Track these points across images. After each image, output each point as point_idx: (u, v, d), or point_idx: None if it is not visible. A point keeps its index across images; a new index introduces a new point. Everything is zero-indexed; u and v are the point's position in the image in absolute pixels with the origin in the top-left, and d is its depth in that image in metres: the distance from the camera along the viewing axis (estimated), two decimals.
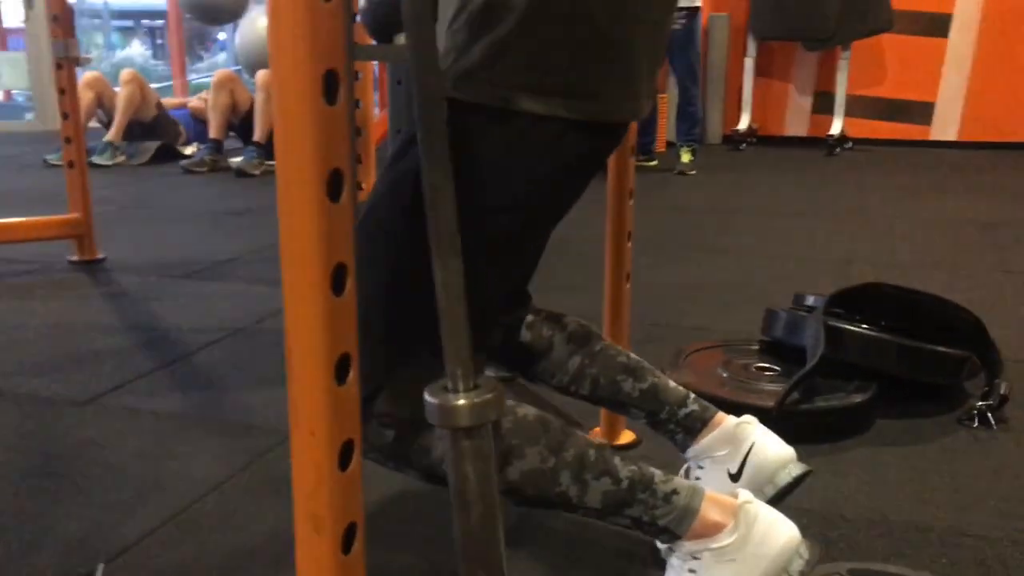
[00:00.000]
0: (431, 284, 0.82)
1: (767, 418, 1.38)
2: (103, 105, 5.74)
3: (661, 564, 1.16)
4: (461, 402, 0.82)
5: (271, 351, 2.17)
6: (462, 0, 0.98)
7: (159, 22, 17.03)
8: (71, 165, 3.09)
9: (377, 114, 4.57)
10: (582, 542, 1.37)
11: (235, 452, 1.69)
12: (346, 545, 0.78)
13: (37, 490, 1.55)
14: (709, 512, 1.08)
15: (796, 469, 1.31)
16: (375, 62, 4.29)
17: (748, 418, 1.34)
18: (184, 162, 5.44)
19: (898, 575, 1.20)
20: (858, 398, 1.80)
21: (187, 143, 5.99)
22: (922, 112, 6.51)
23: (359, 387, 0.78)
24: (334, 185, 0.72)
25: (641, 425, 1.42)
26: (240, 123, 5.68)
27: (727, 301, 2.71)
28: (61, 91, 3.03)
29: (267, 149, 5.21)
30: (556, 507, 1.07)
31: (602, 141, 1.07)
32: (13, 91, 9.83)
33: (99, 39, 15.99)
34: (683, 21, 5.13)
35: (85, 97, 5.50)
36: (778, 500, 1.30)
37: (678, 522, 1.07)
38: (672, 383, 1.37)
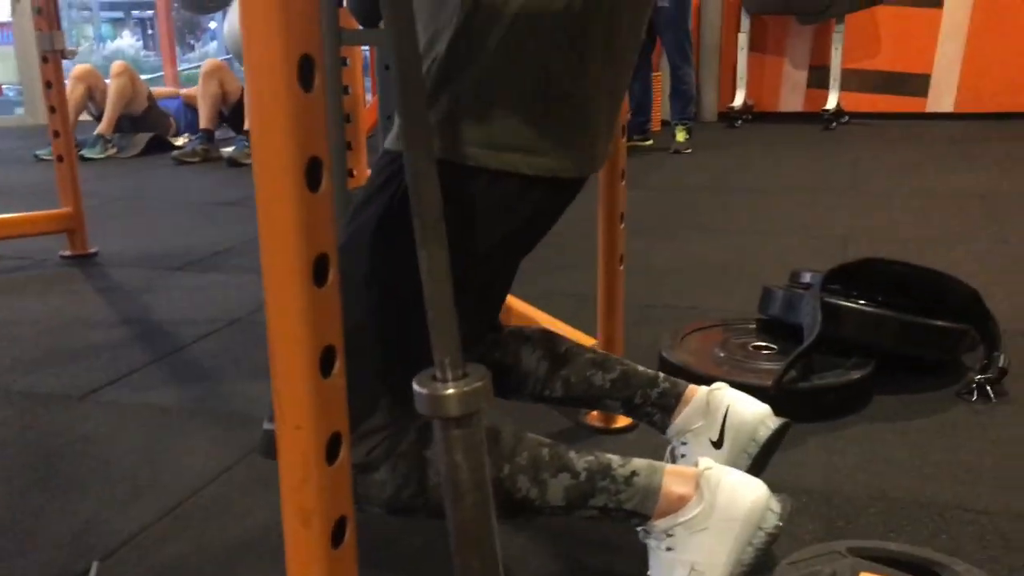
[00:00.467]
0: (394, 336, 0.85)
1: (765, 397, 1.37)
2: (94, 98, 5.69)
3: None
4: (450, 391, 0.81)
5: (265, 342, 2.14)
6: (429, 39, 0.99)
7: (149, 13, 16.93)
8: (60, 159, 3.07)
9: (369, 100, 4.55)
10: (575, 530, 1.36)
11: (231, 445, 1.68)
12: (336, 539, 0.77)
13: (32, 486, 1.54)
14: (672, 486, 1.08)
15: (774, 422, 1.31)
16: (365, 47, 4.26)
17: (718, 384, 1.35)
18: (176, 153, 5.40)
19: (898, 552, 1.20)
20: (856, 375, 1.79)
21: (178, 134, 5.95)
22: (918, 84, 6.47)
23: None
24: (312, 174, 0.70)
25: None
26: (231, 113, 5.65)
27: (724, 280, 2.70)
28: (47, 84, 3.00)
29: None
30: (523, 512, 1.08)
31: (562, 195, 1.08)
32: (3, 86, 9.78)
33: (89, 31, 15.90)
34: None
35: (76, 90, 5.45)
36: (764, 457, 1.31)
37: (643, 502, 1.08)
38: (640, 367, 1.38)
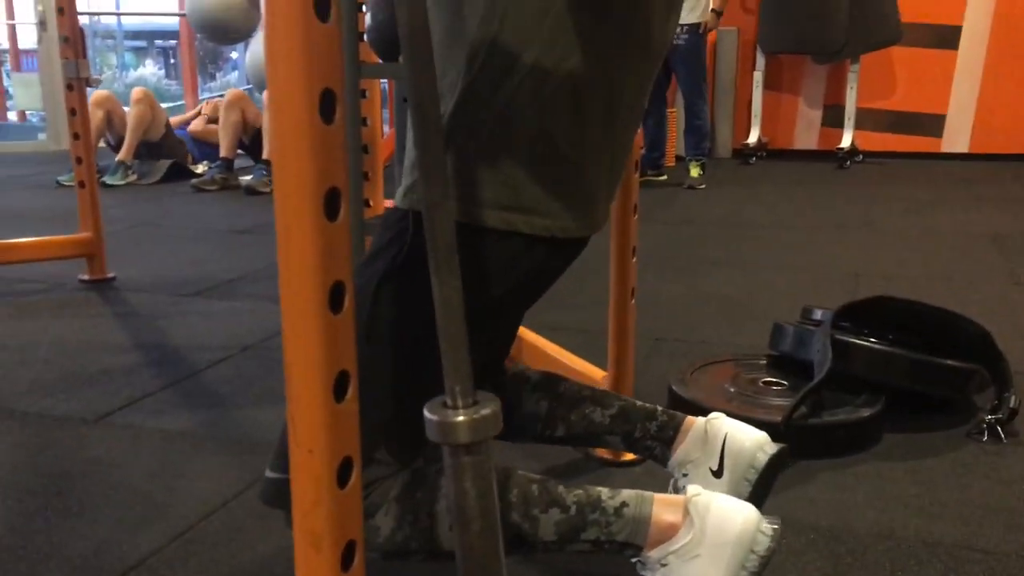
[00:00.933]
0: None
1: (775, 433, 1.38)
2: (112, 124, 5.77)
3: None
4: (460, 418, 0.82)
5: (278, 368, 2.15)
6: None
7: (172, 42, 17.20)
8: (82, 185, 3.11)
9: (386, 132, 4.59)
10: (578, 557, 1.36)
11: (242, 470, 1.69)
12: (345, 562, 0.78)
13: (45, 509, 1.55)
14: (662, 515, 1.09)
15: (771, 448, 1.31)
16: (383, 80, 4.31)
17: (715, 414, 1.35)
18: (195, 181, 5.47)
19: None
20: (866, 412, 1.79)
21: (195, 162, 6.02)
22: (933, 124, 6.49)
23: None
24: (331, 203, 0.72)
25: None
26: (251, 141, 5.71)
27: (735, 315, 2.71)
28: (72, 112, 3.05)
29: None
30: (515, 550, 1.08)
31: (564, 253, 1.10)
32: (27, 112, 9.92)
33: (112, 59, 16.15)
34: (685, 36, 5.15)
35: (95, 116, 5.53)
36: (765, 484, 1.31)
37: (634, 533, 1.08)
38: (639, 402, 1.39)
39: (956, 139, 6.46)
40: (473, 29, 0.98)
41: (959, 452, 1.75)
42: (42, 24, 6.76)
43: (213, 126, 5.89)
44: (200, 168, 5.90)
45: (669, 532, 1.08)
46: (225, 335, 2.53)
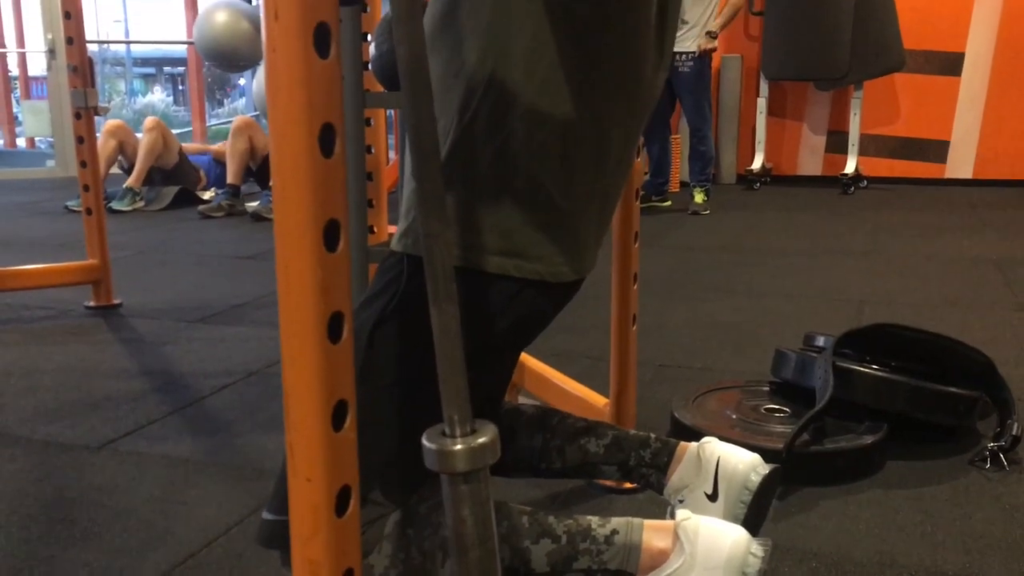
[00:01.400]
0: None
1: (777, 460, 1.38)
2: (125, 152, 5.82)
3: None
4: (458, 447, 0.83)
5: (281, 396, 2.17)
6: None
7: (180, 69, 17.35)
8: (89, 212, 3.14)
9: (391, 158, 4.63)
10: None
11: (245, 496, 1.69)
12: None
13: (49, 535, 1.56)
14: (652, 541, 1.09)
15: (764, 468, 1.31)
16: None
17: (708, 439, 1.35)
18: (201, 207, 5.50)
19: None
20: (868, 439, 1.79)
21: (206, 188, 6.06)
22: (937, 150, 6.51)
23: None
24: (331, 235, 0.74)
25: None
26: (259, 168, 5.76)
27: (738, 341, 2.71)
28: (79, 139, 3.09)
29: None
30: None
31: (555, 296, 1.12)
32: (36, 138, 10.01)
33: (121, 86, 16.30)
34: (690, 64, 5.20)
35: (107, 145, 5.58)
36: (759, 506, 1.30)
37: (626, 560, 1.08)
38: (632, 431, 1.39)
39: (960, 165, 6.48)
40: (468, 74, 1.00)
41: (961, 480, 1.75)
42: (51, 52, 6.84)
43: None
44: (208, 195, 5.94)
45: (660, 558, 1.08)
46: (230, 361, 2.54)
